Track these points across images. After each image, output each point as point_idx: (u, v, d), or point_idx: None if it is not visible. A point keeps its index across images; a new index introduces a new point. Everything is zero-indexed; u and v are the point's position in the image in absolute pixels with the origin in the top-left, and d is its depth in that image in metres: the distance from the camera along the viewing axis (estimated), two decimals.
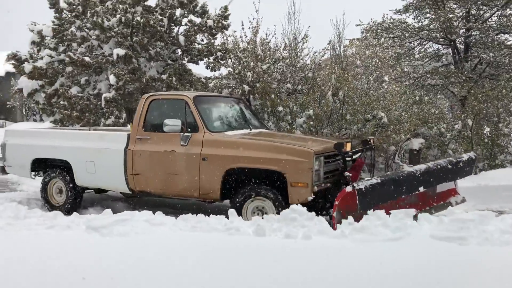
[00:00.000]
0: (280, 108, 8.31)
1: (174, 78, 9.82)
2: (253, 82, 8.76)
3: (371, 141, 5.90)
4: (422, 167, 5.19)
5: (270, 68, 8.96)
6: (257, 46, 9.16)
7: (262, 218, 4.49)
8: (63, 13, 10.55)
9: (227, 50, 9.25)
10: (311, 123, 8.07)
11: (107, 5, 10.08)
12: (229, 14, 10.76)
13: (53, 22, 10.70)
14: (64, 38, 10.43)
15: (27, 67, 10.34)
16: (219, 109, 6.38)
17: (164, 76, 9.91)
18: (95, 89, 10.33)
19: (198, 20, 10.72)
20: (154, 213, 4.53)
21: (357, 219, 4.23)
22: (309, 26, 9.91)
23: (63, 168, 6.58)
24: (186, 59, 10.99)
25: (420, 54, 14.67)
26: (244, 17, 9.26)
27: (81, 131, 7.32)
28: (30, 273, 3.00)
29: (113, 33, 9.65)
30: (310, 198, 4.83)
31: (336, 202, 4.47)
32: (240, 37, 9.21)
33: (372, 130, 8.16)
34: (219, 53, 10.25)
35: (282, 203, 4.94)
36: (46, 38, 10.81)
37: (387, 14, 13.66)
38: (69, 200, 6.51)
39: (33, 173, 6.93)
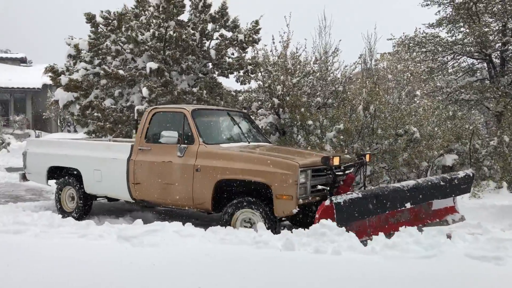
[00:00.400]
0: (310, 122, 8.28)
1: (204, 91, 9.95)
2: (283, 96, 8.77)
3: (366, 156, 5.82)
4: (410, 183, 5.13)
5: (300, 82, 8.97)
6: (287, 59, 9.19)
7: (261, 228, 4.49)
8: (99, 27, 10.87)
9: (257, 63, 9.32)
10: (341, 137, 7.99)
11: (141, 20, 10.35)
12: (259, 28, 10.88)
13: (89, 36, 11.04)
14: (99, 51, 10.74)
15: (63, 79, 10.67)
16: (218, 122, 6.60)
17: (195, 89, 10.05)
18: (128, 101, 10.55)
19: (229, 34, 10.87)
20: (183, 224, 4.57)
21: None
22: (340, 40, 9.92)
23: (74, 176, 6.87)
24: (216, 72, 11.13)
25: (454, 69, 14.37)
26: (275, 31, 9.34)
27: (90, 142, 7.69)
28: (59, 280, 3.05)
29: (146, 47, 9.88)
30: (295, 211, 4.83)
31: (317, 215, 4.45)
32: (271, 50, 9.28)
33: (404, 145, 8.01)
34: (249, 67, 10.34)
35: (269, 215, 4.97)
36: (82, 51, 11.14)
37: (419, 28, 13.49)
38: (79, 207, 6.73)
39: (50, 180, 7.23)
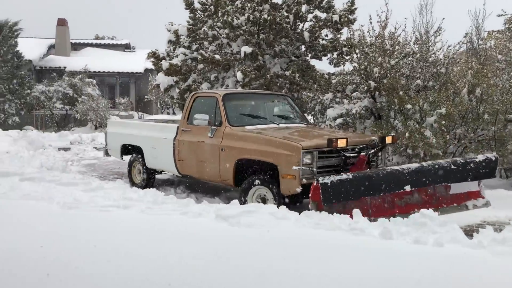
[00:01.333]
0: (409, 106, 7.87)
1: (297, 75, 9.91)
2: (379, 78, 8.42)
3: (387, 139, 5.79)
4: (412, 166, 5.06)
5: (398, 64, 8.53)
6: (385, 40, 8.77)
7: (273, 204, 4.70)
8: (197, 13, 11.25)
9: (352, 45, 9.03)
10: (443, 122, 7.51)
11: (237, 4, 10.51)
12: (355, 8, 10.53)
13: (188, 22, 11.47)
14: (197, 37, 11.13)
15: (164, 64, 11.25)
16: (250, 105, 7.04)
17: (287, 73, 10.05)
18: (223, 85, 10.85)
19: (323, 15, 10.65)
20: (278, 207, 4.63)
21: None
22: (443, 18, 9.21)
23: (139, 153, 7.84)
24: (309, 55, 11.01)
25: None
26: (371, 11, 8.94)
27: (149, 123, 8.64)
28: (158, 253, 3.25)
29: (241, 31, 10.03)
30: (298, 190, 5.12)
31: (310, 195, 4.65)
32: (368, 31, 8.90)
33: None
34: (344, 48, 10.08)
35: (278, 192, 5.36)
36: (181, 37, 11.64)
37: None
38: (144, 179, 7.77)
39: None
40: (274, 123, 6.54)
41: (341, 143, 5.21)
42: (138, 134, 7.86)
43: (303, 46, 11.06)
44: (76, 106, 22.53)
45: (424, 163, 5.28)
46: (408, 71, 8.67)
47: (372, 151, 5.71)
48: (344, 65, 9.90)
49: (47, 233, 3.72)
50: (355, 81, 9.04)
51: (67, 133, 17.52)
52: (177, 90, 11.65)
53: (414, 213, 4.57)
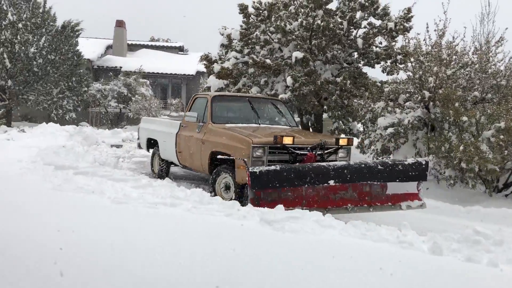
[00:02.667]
0: (464, 118, 7.56)
1: (348, 81, 9.76)
2: (434, 88, 8.15)
3: (341, 140, 6.35)
4: (338, 163, 5.50)
5: (455, 74, 8.22)
6: (442, 49, 8.48)
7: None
8: (250, 17, 11.35)
9: (407, 53, 8.79)
10: (501, 137, 7.15)
11: (290, 9, 10.51)
12: (412, 16, 10.26)
13: (241, 26, 11.60)
14: (249, 41, 11.23)
15: (216, 67, 11.42)
16: (237, 107, 7.93)
17: (338, 79, 9.92)
18: (272, 89, 10.87)
19: (378, 22, 10.47)
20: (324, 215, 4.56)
21: (256, 200, 5.08)
22: (506, 28, 8.81)
23: (157, 145, 8.87)
24: (362, 62, 10.83)
25: None
26: (429, 19, 8.68)
27: (163, 120, 9.73)
28: (196, 253, 3.28)
29: (293, 37, 10.02)
30: None
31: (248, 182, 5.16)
32: (424, 39, 8.65)
33: None
34: (398, 57, 9.85)
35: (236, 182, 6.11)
36: (233, 41, 11.78)
37: None
38: (160, 169, 8.75)
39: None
40: (257, 123, 7.31)
41: (287, 141, 5.86)
42: (156, 129, 9.00)
43: (355, 53, 10.90)
44: (130, 105, 23.30)
45: (351, 162, 5.74)
46: (465, 82, 8.34)
47: (324, 151, 6.27)
48: (397, 74, 9.66)
49: (97, 226, 3.85)
50: (408, 90, 8.80)
51: (120, 131, 18.14)
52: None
53: (347, 207, 5.35)
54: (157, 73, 28.96)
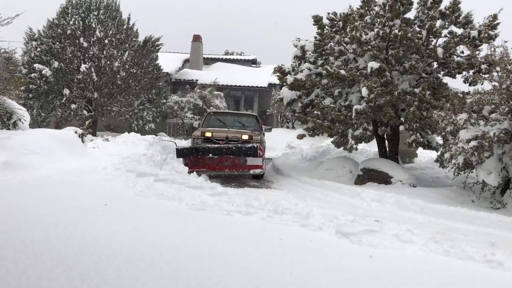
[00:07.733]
0: None
1: (427, 92, 9.38)
2: None
3: (242, 136, 10.23)
4: (215, 146, 9.33)
5: None
6: None
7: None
8: (324, 29, 11.31)
9: (493, 62, 8.28)
10: None
11: (366, 20, 10.34)
12: (498, 23, 9.68)
13: (315, 37, 11.58)
14: (323, 52, 11.18)
15: (289, 79, 11.46)
16: (223, 119, 11.63)
17: (416, 90, 9.56)
18: (346, 100, 10.70)
19: (459, 31, 9.99)
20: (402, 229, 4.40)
21: (184, 163, 9.29)
22: None
23: None
24: (442, 72, 10.37)
25: None
26: None
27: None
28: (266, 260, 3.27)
29: (369, 47, 9.83)
30: None
31: None
32: None
33: None
34: (482, 66, 9.31)
35: None
36: (307, 52, 11.79)
37: None
38: None
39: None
40: (229, 128, 10.89)
41: (208, 134, 10.13)
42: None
43: (435, 63, 10.46)
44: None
45: (222, 145, 9.40)
46: None
47: (229, 141, 9.99)
48: (481, 84, 9.11)
49: (176, 233, 4.00)
50: (494, 101, 8.26)
51: None
52: (299, 105, 11.78)
53: (226, 171, 9.27)
54: (231, 85, 29.67)
